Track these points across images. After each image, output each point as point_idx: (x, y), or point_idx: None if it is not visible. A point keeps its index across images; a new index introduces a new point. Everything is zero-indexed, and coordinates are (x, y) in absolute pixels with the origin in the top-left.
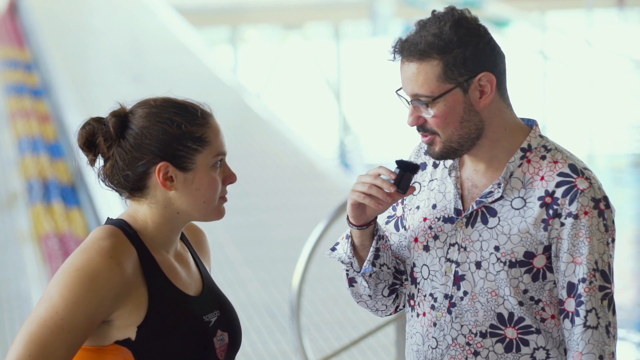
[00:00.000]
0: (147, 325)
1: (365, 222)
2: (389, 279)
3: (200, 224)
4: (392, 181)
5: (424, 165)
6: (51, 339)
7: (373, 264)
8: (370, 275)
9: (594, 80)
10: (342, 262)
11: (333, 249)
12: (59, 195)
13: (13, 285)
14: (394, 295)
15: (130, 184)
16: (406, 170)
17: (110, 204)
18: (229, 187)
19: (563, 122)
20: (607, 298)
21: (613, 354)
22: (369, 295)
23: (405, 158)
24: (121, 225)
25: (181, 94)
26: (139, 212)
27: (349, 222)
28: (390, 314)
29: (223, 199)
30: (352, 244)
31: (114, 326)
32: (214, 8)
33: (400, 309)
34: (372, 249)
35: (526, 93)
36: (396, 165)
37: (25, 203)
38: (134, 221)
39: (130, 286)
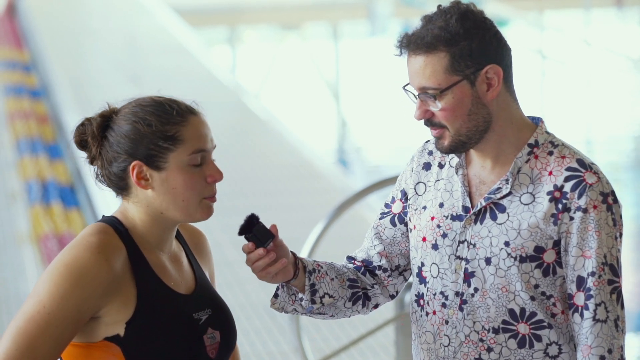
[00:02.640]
0: (135, 322)
1: (291, 275)
2: (344, 295)
3: (197, 225)
4: (258, 246)
5: (427, 166)
6: (38, 334)
7: (313, 301)
8: (318, 309)
9: (592, 80)
10: (286, 312)
11: (276, 296)
12: (58, 196)
13: (12, 287)
14: (360, 301)
15: (114, 183)
16: (251, 230)
17: (109, 204)
18: (228, 188)
19: (561, 121)
20: (616, 292)
21: (622, 348)
22: (332, 315)
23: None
24: (113, 223)
25: (179, 95)
26: (128, 209)
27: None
28: (367, 313)
29: (210, 198)
30: (289, 292)
31: (102, 322)
32: (211, 8)
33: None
34: (306, 288)
35: (524, 92)
36: (243, 237)
37: (24, 204)
38: (125, 218)
39: (118, 283)
